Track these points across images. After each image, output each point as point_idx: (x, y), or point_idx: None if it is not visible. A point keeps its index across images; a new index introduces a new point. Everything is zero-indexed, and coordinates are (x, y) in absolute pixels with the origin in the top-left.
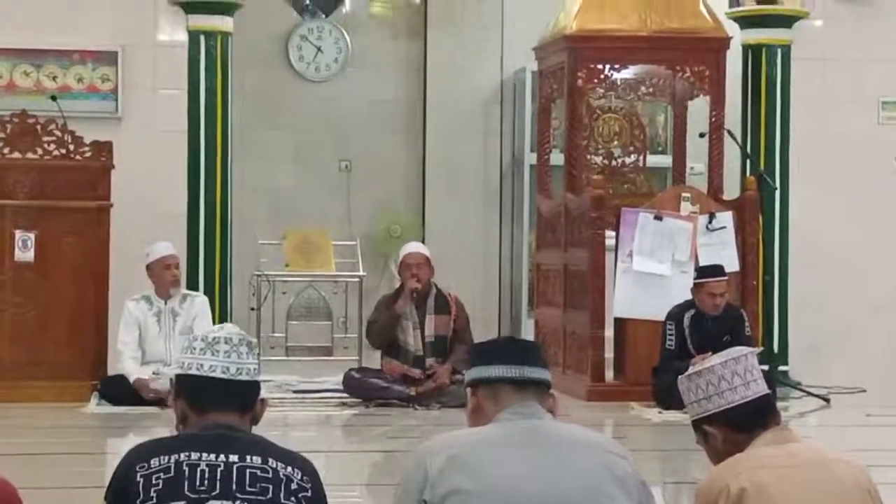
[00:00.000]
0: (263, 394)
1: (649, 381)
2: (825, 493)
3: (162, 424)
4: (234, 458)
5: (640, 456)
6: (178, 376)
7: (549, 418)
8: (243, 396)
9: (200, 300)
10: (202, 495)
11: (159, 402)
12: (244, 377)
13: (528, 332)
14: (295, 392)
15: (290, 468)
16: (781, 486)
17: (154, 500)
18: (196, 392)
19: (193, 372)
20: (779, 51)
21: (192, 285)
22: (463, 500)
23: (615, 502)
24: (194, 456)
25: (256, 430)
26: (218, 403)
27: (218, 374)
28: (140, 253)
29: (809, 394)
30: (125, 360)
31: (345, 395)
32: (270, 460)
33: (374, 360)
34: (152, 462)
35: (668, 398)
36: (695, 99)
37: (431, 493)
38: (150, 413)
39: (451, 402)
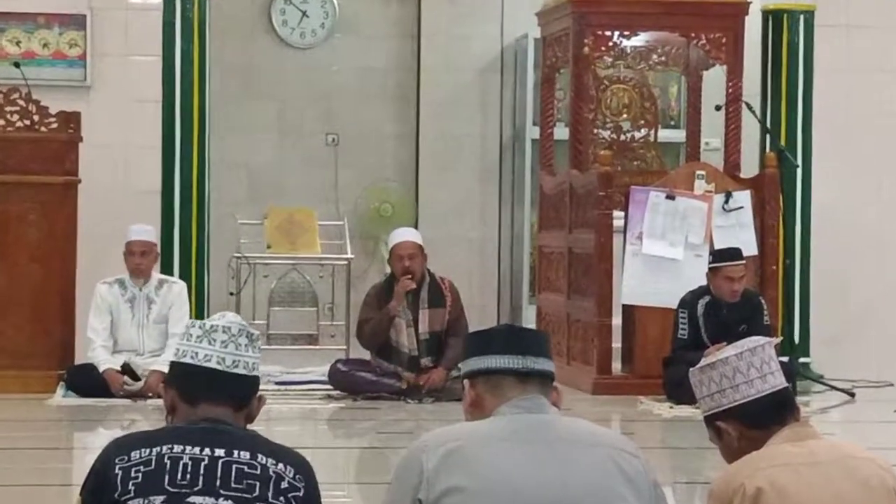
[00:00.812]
0: None
1: (659, 373)
2: (847, 494)
3: (135, 418)
4: (220, 452)
5: (649, 454)
6: (172, 364)
7: (555, 412)
8: (238, 390)
9: (178, 287)
10: (183, 490)
11: (132, 395)
12: (240, 370)
13: (529, 320)
14: (277, 384)
15: (280, 465)
16: (801, 486)
17: (132, 494)
18: (187, 382)
19: (187, 360)
20: (801, 16)
21: (167, 269)
22: (461, 499)
23: (625, 502)
24: (177, 448)
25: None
26: (210, 396)
27: (212, 364)
28: (109, 232)
29: (832, 387)
30: (95, 349)
31: (330, 387)
32: (260, 456)
33: (363, 350)
34: (132, 454)
35: (680, 392)
36: (710, 69)
37: (427, 492)
38: (122, 405)
39: (446, 395)
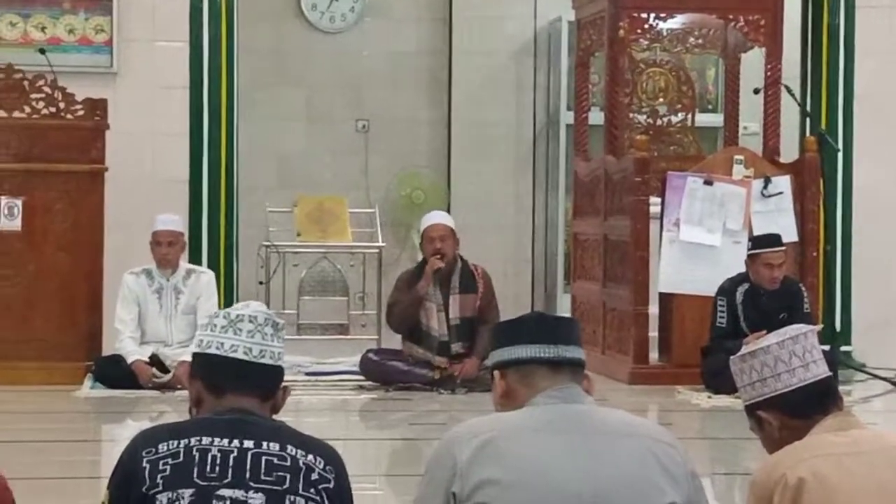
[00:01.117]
0: None
1: (698, 362)
2: (892, 484)
3: (163, 409)
4: (248, 443)
5: (687, 444)
6: (195, 355)
7: (591, 402)
8: (265, 381)
9: (207, 277)
10: (212, 483)
11: (161, 386)
12: (267, 360)
13: (564, 309)
14: (307, 374)
15: (310, 456)
16: (844, 476)
17: (160, 488)
18: (214, 373)
19: (212, 351)
20: None
21: (196, 258)
22: (497, 492)
23: (662, 494)
24: (206, 440)
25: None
26: (237, 386)
27: (239, 354)
28: (137, 221)
29: (875, 376)
30: (123, 340)
31: (362, 378)
32: (289, 447)
33: (394, 339)
34: (160, 447)
35: (719, 381)
36: (749, 51)
37: (461, 484)
38: (150, 397)
39: (479, 386)
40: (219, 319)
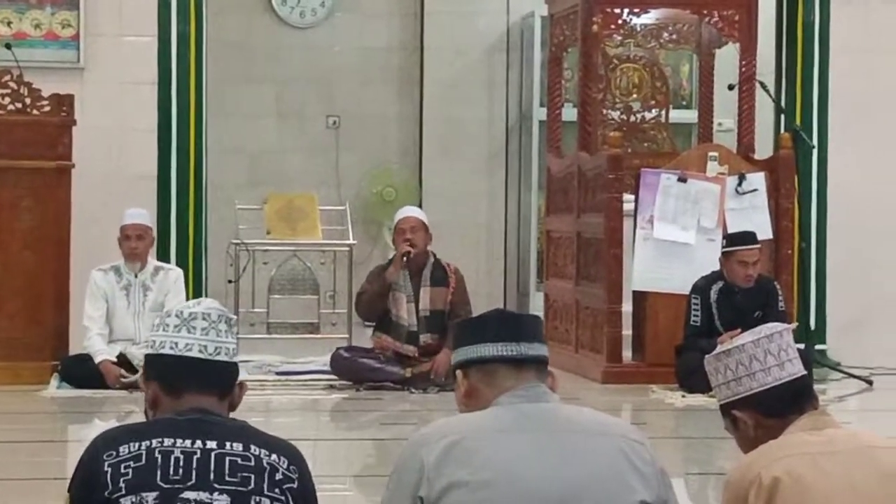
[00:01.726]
0: (243, 375)
1: (672, 361)
2: (867, 484)
3: (131, 409)
4: (211, 444)
5: (661, 444)
6: (148, 357)
7: (557, 400)
8: (222, 378)
9: (175, 274)
10: (176, 485)
11: (129, 386)
12: (223, 357)
13: (537, 307)
14: (278, 374)
15: (274, 456)
16: (819, 476)
17: (123, 491)
18: (170, 374)
19: (167, 351)
20: None
21: (164, 255)
22: (464, 494)
23: (632, 492)
24: (168, 442)
25: (236, 415)
26: (195, 386)
27: (195, 353)
28: (104, 218)
29: (850, 375)
30: (92, 338)
31: (333, 376)
32: (253, 447)
33: (365, 338)
34: (121, 449)
35: (693, 380)
36: (723, 47)
37: (428, 487)
38: (118, 396)
39: (450, 385)
40: (171, 319)
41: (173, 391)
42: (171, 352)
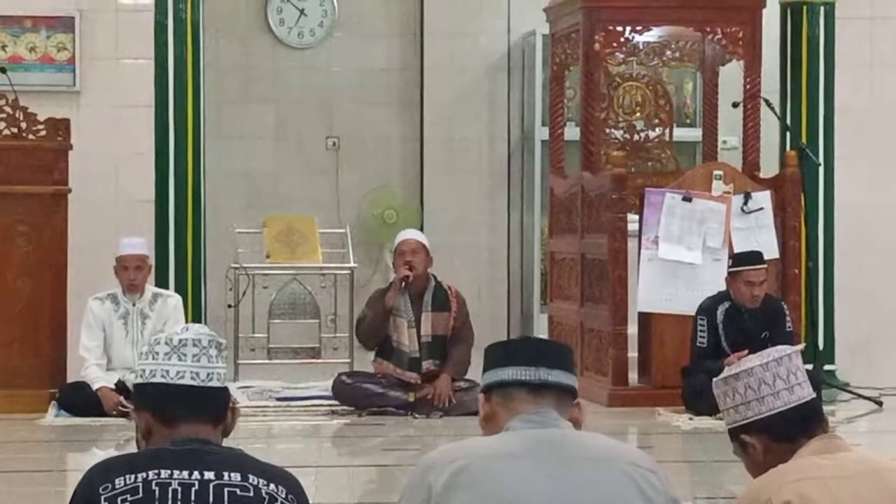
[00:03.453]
0: (242, 401)
1: (678, 383)
2: None
3: (130, 436)
4: (209, 475)
5: (668, 468)
6: (137, 386)
7: (568, 427)
8: (216, 405)
9: (174, 301)
10: None
11: (128, 414)
12: (215, 383)
13: (541, 330)
14: (278, 399)
15: (272, 485)
16: (830, 500)
17: None
18: (163, 403)
19: (158, 380)
20: (821, 9)
21: (162, 281)
22: None
23: None
24: (164, 474)
25: (236, 443)
26: (189, 414)
27: (187, 381)
28: (102, 244)
29: (859, 396)
30: (89, 367)
31: (334, 402)
32: (251, 477)
33: (367, 362)
34: (117, 482)
35: (700, 402)
36: (727, 64)
37: None
38: (116, 424)
39: (455, 409)
40: (160, 346)
41: (167, 420)
42: (163, 380)
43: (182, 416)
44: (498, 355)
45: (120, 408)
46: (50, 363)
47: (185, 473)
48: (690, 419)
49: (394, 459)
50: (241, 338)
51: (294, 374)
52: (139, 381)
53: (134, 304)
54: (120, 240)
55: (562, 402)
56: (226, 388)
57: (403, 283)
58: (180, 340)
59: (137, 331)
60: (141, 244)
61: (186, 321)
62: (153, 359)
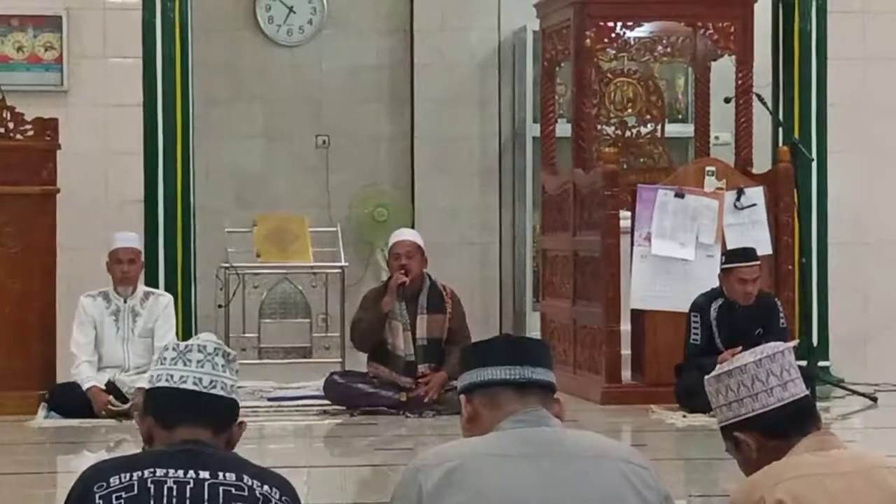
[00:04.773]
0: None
1: (671, 380)
2: None
3: (121, 438)
4: (205, 474)
5: (662, 465)
6: (147, 391)
7: (559, 425)
8: (217, 413)
9: (165, 300)
10: None
11: (117, 415)
12: (218, 391)
13: (533, 328)
14: (270, 399)
15: (266, 487)
16: (824, 498)
17: None
18: (164, 406)
19: (163, 384)
20: (813, 3)
21: (152, 281)
22: None
23: None
24: (160, 472)
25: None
26: (188, 418)
27: (189, 385)
28: (91, 244)
29: (853, 392)
30: (80, 365)
31: (326, 402)
32: (246, 478)
33: (358, 362)
34: (112, 481)
35: (694, 400)
36: (719, 59)
37: None
38: (107, 426)
39: (447, 409)
40: (168, 352)
41: (167, 424)
42: (167, 384)
43: (181, 420)
44: (477, 356)
45: (110, 407)
46: (39, 364)
47: (181, 472)
48: (684, 416)
49: (386, 459)
50: (231, 338)
51: (285, 373)
52: (148, 386)
53: (125, 301)
54: (113, 234)
55: (545, 399)
56: (233, 400)
57: (399, 289)
58: (187, 346)
59: (128, 328)
60: (134, 238)
61: (177, 321)
62: (161, 364)
